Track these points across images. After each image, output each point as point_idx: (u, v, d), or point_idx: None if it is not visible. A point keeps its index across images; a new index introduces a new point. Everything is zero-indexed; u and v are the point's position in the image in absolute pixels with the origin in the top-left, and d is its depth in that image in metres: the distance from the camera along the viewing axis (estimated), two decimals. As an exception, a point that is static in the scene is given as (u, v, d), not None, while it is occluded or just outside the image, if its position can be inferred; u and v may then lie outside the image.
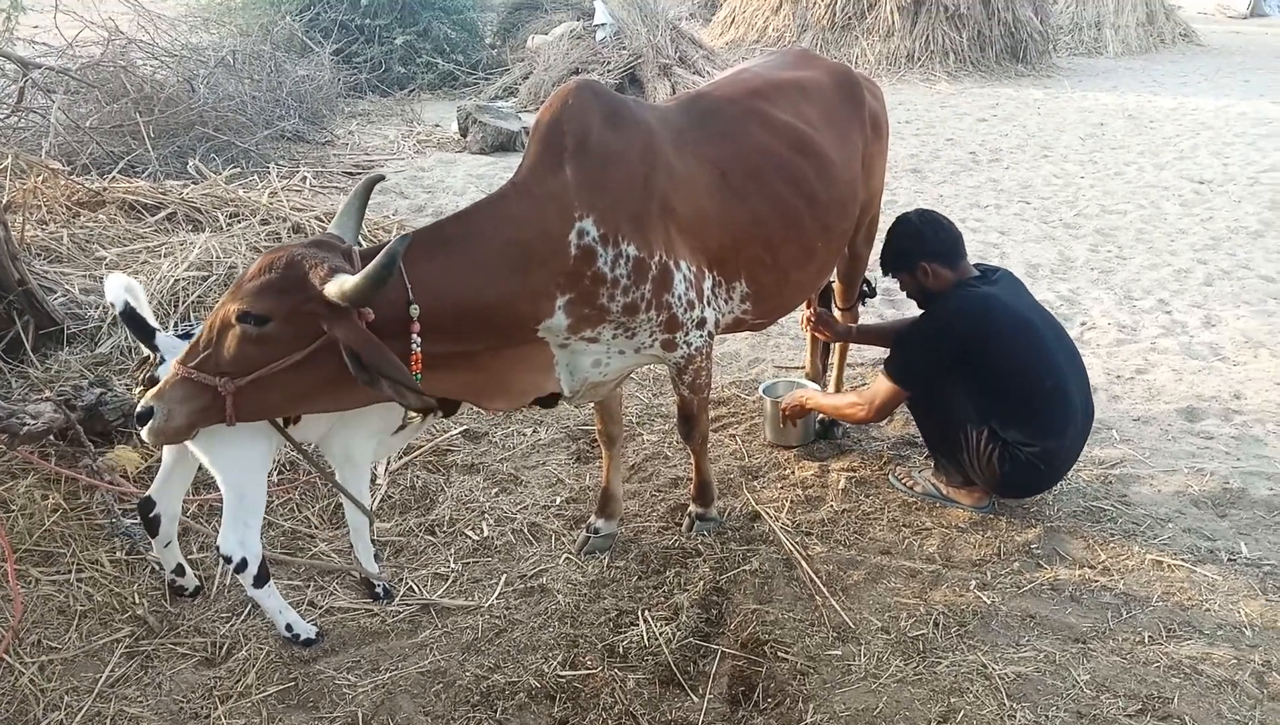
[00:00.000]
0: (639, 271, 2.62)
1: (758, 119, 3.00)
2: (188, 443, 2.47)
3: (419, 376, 2.35)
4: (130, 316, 2.57)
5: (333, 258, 2.29)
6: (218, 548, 2.57)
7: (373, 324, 2.27)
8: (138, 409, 2.32)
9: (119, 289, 2.55)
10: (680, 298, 2.72)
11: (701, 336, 2.85)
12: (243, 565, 2.55)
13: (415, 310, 2.33)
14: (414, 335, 2.33)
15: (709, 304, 2.84)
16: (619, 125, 2.65)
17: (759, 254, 2.94)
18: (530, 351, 2.66)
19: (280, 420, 2.58)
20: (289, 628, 2.71)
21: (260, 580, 2.60)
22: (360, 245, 2.50)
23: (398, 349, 2.30)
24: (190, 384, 2.30)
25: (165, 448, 2.69)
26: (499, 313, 2.51)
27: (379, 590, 2.92)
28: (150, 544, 2.85)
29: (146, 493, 2.74)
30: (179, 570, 2.87)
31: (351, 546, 2.98)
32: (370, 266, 2.17)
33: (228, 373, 2.29)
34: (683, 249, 2.73)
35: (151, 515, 2.72)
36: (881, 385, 3.19)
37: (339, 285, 2.20)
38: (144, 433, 2.32)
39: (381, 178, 2.82)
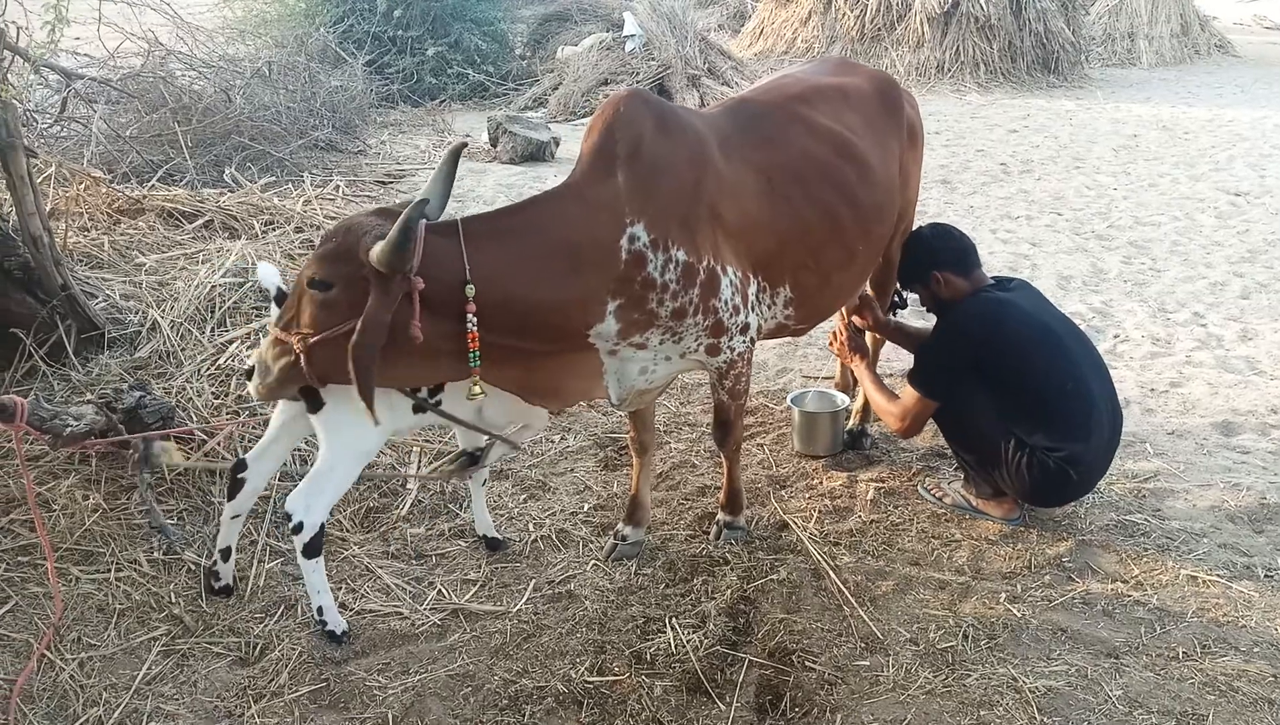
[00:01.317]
0: (688, 276, 2.66)
1: (802, 124, 3.04)
2: (311, 417, 2.65)
3: (475, 354, 2.44)
4: (282, 298, 2.73)
5: (385, 226, 2.35)
6: (286, 504, 2.66)
7: (429, 296, 2.36)
8: (246, 364, 2.58)
9: (274, 275, 2.76)
10: (726, 302, 2.76)
11: (744, 342, 2.88)
12: (299, 528, 2.62)
13: (471, 290, 2.41)
14: (470, 315, 2.41)
15: (753, 309, 2.88)
16: (670, 133, 2.70)
17: (803, 258, 2.98)
18: (582, 358, 2.73)
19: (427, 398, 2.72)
20: (320, 612, 2.75)
21: (311, 551, 2.66)
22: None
23: (455, 328, 2.41)
24: (280, 343, 2.49)
25: (272, 420, 2.86)
26: (551, 313, 2.57)
27: (500, 537, 3.17)
28: (185, 543, 2.91)
29: (242, 455, 2.85)
30: (225, 553, 2.90)
31: (385, 550, 3.02)
32: (390, 232, 2.26)
33: (303, 334, 2.43)
34: (729, 254, 2.77)
35: (240, 476, 2.82)
36: (909, 397, 3.20)
37: (374, 251, 2.29)
38: (249, 386, 2.60)
39: (465, 145, 2.93)
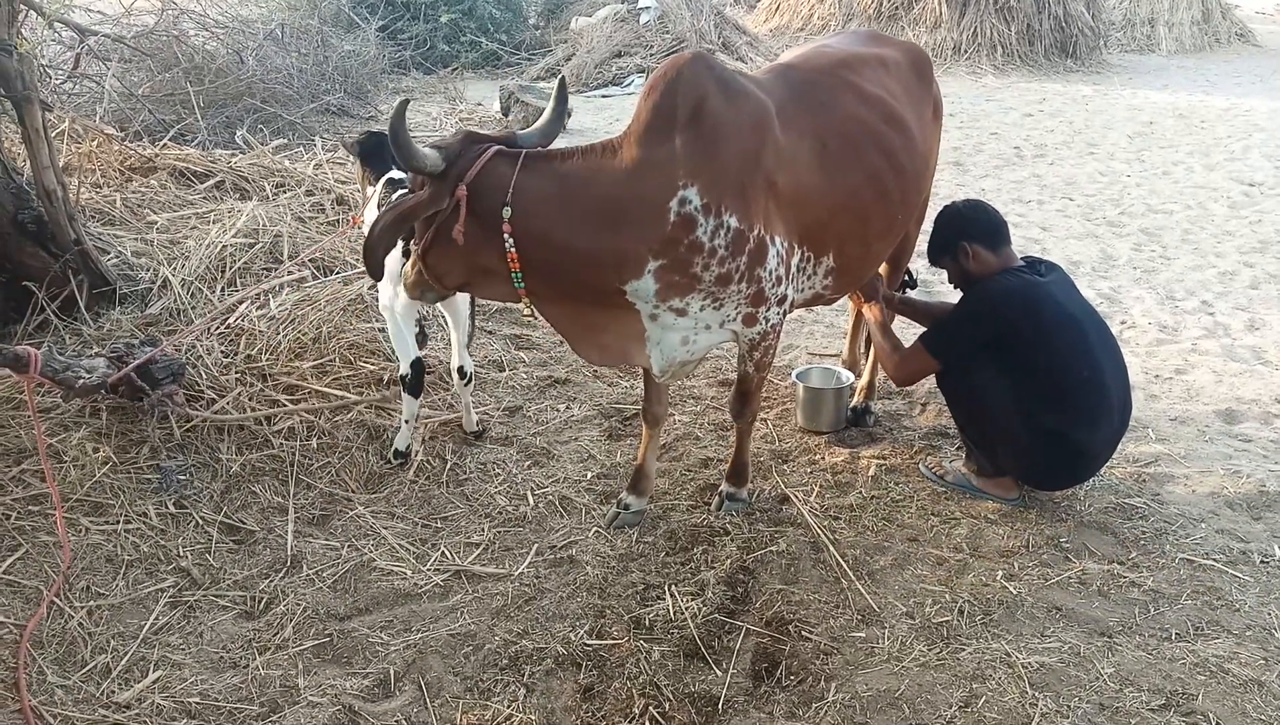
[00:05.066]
0: (738, 243, 2.68)
1: (852, 91, 3.05)
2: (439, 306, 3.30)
3: (518, 275, 2.63)
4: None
5: (451, 141, 2.63)
6: (462, 367, 3.50)
7: (479, 212, 2.56)
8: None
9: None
10: (771, 273, 2.78)
11: (779, 313, 2.91)
12: (471, 375, 3.54)
13: (507, 212, 2.55)
14: (506, 236, 2.57)
15: (792, 281, 2.90)
16: (733, 98, 2.70)
17: (851, 226, 2.99)
18: (623, 316, 2.77)
19: None
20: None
21: (470, 381, 3.57)
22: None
23: (501, 248, 2.59)
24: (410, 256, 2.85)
25: (406, 328, 3.35)
26: (582, 260, 2.63)
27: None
28: (195, 499, 2.98)
29: (418, 354, 3.37)
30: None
31: (389, 512, 3.08)
32: None
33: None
34: (778, 224, 2.78)
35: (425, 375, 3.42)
36: (917, 350, 3.22)
37: None
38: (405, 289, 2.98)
39: (562, 77, 3.05)
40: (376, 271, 2.82)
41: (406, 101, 2.58)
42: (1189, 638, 2.68)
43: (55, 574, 2.79)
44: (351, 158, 3.84)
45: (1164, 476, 3.49)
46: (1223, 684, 2.52)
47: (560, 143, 2.84)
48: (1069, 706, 2.44)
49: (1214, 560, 3.00)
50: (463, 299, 3.43)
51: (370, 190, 3.60)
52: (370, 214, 3.49)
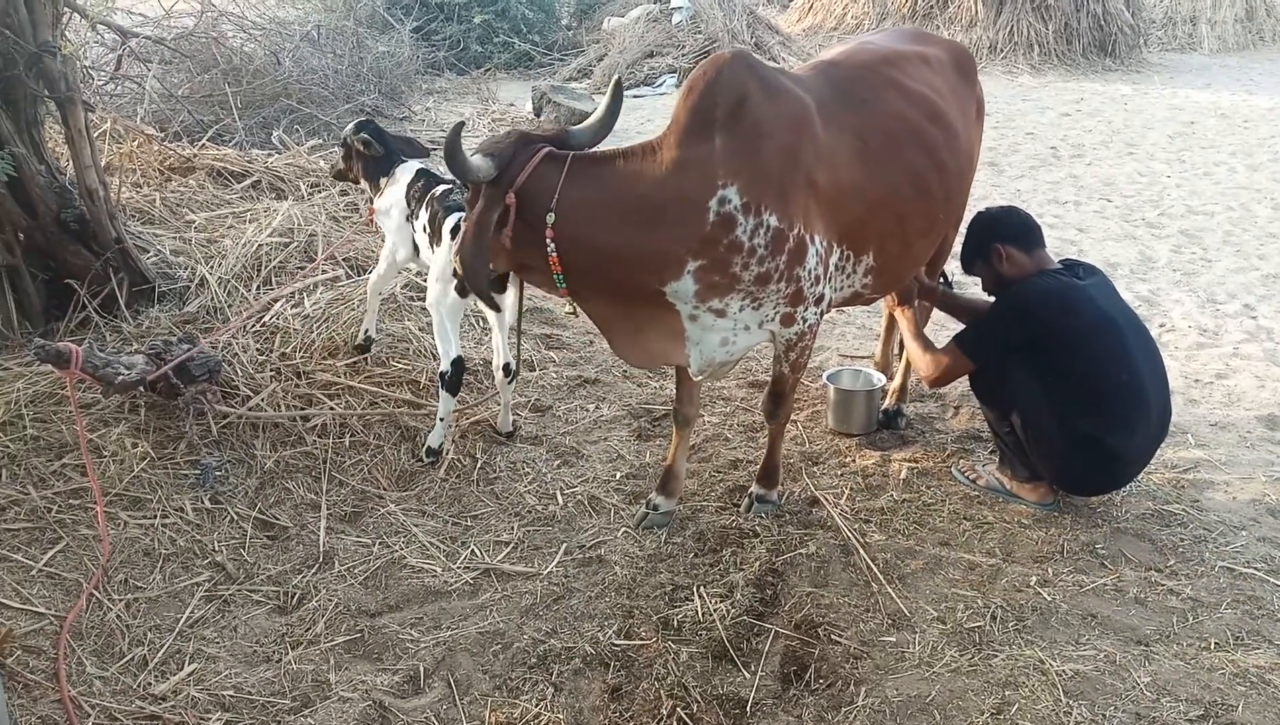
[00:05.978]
0: (777, 242, 2.67)
1: (894, 87, 3.03)
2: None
3: (560, 276, 2.66)
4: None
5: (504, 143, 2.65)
6: (507, 364, 3.49)
7: (528, 214, 2.59)
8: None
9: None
10: (810, 272, 2.77)
11: (816, 313, 2.90)
12: (517, 375, 3.56)
13: (551, 217, 2.57)
14: (548, 240, 2.59)
15: (830, 280, 2.89)
16: (773, 97, 2.69)
17: (891, 225, 2.97)
18: (663, 316, 2.78)
19: None
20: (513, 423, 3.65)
21: (513, 379, 3.57)
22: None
23: (544, 249, 2.61)
24: None
25: (453, 328, 3.40)
26: (625, 263, 2.65)
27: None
28: (229, 494, 3.03)
29: (457, 354, 3.39)
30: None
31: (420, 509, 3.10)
32: None
33: None
34: (818, 223, 2.77)
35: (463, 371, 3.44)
36: (950, 351, 3.19)
37: None
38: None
39: (618, 79, 2.98)
40: (489, 297, 2.88)
41: (461, 124, 2.60)
42: (1229, 647, 2.63)
43: (95, 567, 2.84)
44: (351, 148, 3.75)
45: (1204, 483, 3.42)
46: (1263, 695, 2.46)
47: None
48: (1104, 716, 2.40)
49: (1255, 569, 2.93)
50: (510, 299, 3.44)
51: (383, 181, 3.69)
52: (392, 206, 3.59)
